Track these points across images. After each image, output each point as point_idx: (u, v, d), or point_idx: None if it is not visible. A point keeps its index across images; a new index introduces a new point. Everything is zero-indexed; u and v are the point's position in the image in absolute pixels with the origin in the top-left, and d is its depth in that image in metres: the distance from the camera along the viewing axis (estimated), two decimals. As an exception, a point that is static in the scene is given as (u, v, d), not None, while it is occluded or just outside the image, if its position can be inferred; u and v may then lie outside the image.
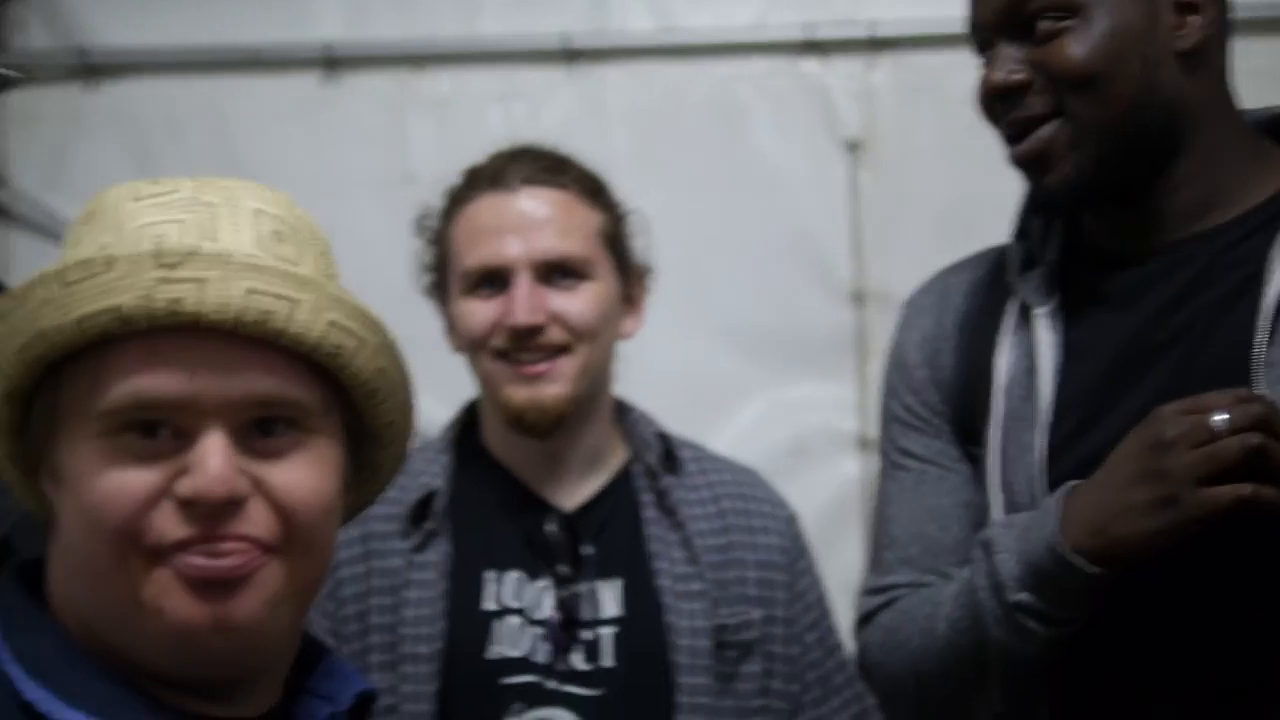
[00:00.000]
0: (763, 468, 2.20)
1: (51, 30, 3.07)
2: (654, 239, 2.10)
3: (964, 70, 1.67)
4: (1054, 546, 1.45)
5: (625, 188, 2.09)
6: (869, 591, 1.71)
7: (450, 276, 2.03)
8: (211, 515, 1.10)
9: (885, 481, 1.73)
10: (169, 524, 1.10)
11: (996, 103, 1.58)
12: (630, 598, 1.98)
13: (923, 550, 1.66)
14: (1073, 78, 1.53)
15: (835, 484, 2.89)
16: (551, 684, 1.93)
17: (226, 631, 1.11)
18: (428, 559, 1.97)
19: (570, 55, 2.98)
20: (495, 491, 2.03)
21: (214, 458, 1.10)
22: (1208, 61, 1.57)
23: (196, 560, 1.10)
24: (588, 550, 1.99)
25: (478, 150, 2.09)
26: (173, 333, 1.11)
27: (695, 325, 2.88)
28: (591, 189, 2.04)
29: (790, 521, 2.11)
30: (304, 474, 1.14)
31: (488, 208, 2.00)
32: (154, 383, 1.10)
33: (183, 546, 1.10)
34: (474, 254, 1.99)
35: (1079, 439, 1.54)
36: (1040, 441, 1.55)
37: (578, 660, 1.94)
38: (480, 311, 1.98)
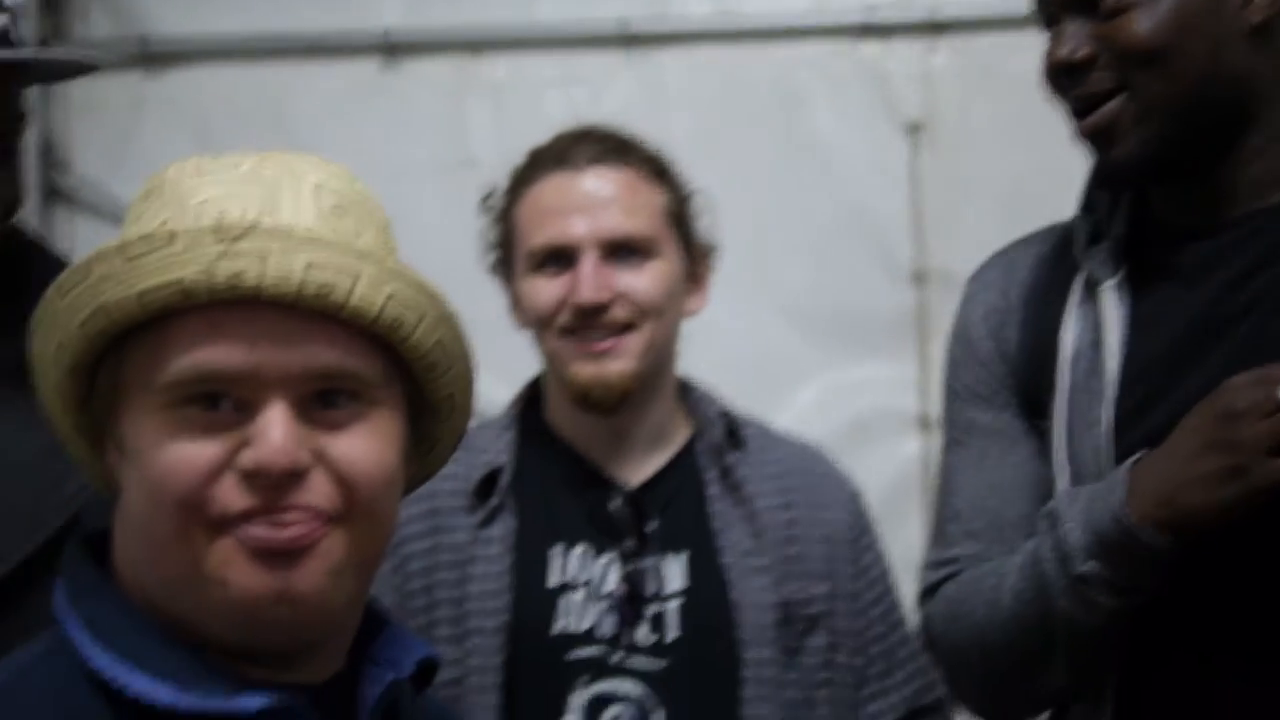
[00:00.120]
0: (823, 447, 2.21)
1: (113, 19, 3.10)
2: (715, 223, 2.11)
3: (1023, 53, 1.66)
4: (1120, 517, 1.45)
5: (685, 173, 2.09)
6: (932, 565, 1.70)
7: (516, 255, 2.04)
8: (274, 486, 1.10)
9: (949, 455, 1.72)
10: (232, 495, 1.10)
11: (1062, 77, 1.57)
12: (695, 572, 1.98)
13: (987, 523, 1.65)
14: (1138, 53, 1.51)
15: (896, 464, 2.89)
16: (616, 657, 1.94)
17: (289, 601, 1.11)
18: (493, 534, 1.98)
19: (628, 40, 2.99)
20: (560, 467, 2.04)
21: (276, 429, 1.10)
22: (1276, 37, 1.55)
23: (259, 531, 1.10)
24: (652, 526, 2.00)
25: (536, 135, 2.10)
26: (234, 306, 1.10)
27: (757, 307, 2.89)
28: (657, 169, 2.05)
29: (854, 497, 2.12)
30: (365, 445, 1.14)
31: (554, 187, 2.01)
32: (216, 355, 1.10)
33: (246, 517, 1.10)
34: (540, 233, 2.00)
35: (1146, 412, 1.53)
36: (1106, 415, 1.55)
37: (643, 634, 1.95)
38: (546, 289, 2.00)
